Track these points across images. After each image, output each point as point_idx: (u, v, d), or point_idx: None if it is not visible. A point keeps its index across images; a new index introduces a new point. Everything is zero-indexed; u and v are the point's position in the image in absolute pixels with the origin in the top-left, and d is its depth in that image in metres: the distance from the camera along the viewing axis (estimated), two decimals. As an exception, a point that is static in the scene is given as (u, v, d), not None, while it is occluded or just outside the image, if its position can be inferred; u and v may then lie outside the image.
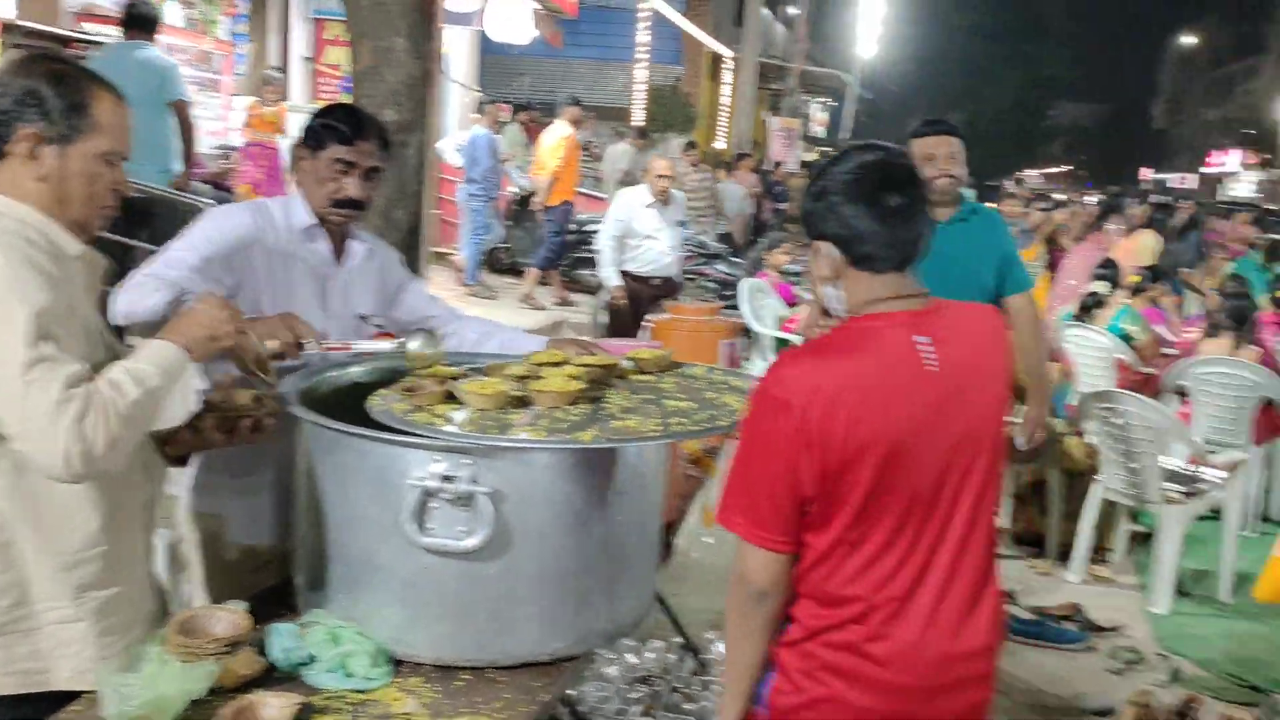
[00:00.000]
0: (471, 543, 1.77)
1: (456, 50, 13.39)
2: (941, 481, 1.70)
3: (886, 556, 1.69)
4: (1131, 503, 4.78)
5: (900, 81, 30.41)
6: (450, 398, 1.96)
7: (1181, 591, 4.75)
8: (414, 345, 2.23)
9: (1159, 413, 4.62)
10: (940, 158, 3.44)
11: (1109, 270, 6.68)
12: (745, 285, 8.21)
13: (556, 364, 2.14)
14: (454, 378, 2.04)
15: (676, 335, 6.72)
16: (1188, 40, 69.66)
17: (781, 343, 7.44)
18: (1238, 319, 5.53)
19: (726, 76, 18.71)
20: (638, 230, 6.97)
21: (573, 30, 16.86)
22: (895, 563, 1.69)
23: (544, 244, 9.88)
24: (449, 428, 1.83)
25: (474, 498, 1.76)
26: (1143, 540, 5.14)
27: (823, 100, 26.30)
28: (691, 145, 13.54)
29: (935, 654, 1.71)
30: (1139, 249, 8.90)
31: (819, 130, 27.33)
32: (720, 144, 18.76)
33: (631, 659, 2.55)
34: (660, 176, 6.97)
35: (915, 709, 1.72)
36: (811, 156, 22.02)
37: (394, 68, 3.87)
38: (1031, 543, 5.19)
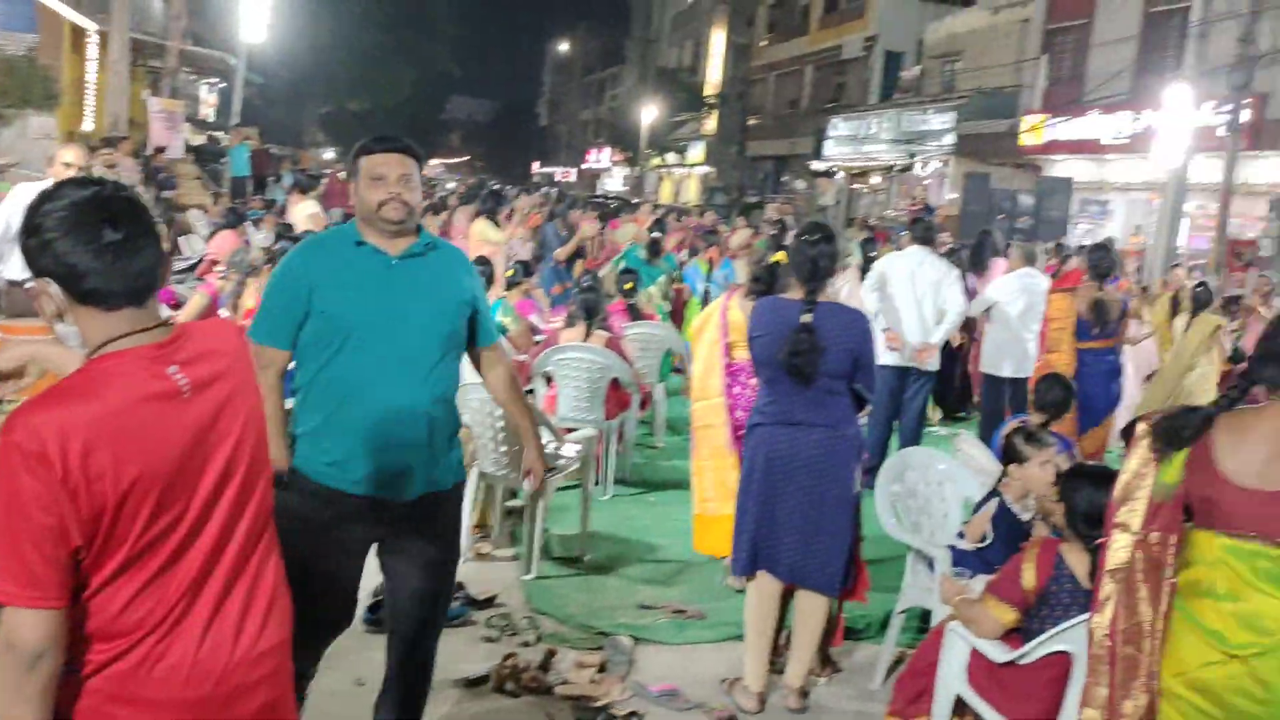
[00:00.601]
0: None
1: None
2: (210, 502, 1.78)
3: (161, 582, 1.73)
4: (506, 481, 5.22)
5: (293, 66, 29.71)
6: None
7: (550, 556, 5.31)
8: None
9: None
10: (390, 179, 2.82)
11: (485, 268, 7.17)
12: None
13: None
14: None
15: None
16: (563, 48, 77.17)
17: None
18: (589, 310, 6.27)
19: (92, 51, 16.89)
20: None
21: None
22: (170, 587, 1.74)
23: None
24: None
25: None
26: (519, 514, 5.64)
27: (211, 81, 24.91)
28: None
29: (216, 666, 1.79)
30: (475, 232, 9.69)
31: (209, 113, 25.88)
32: (89, 125, 16.89)
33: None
34: (67, 166, 5.96)
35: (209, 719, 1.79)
36: (200, 140, 20.76)
37: None
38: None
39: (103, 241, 1.66)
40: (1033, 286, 7.12)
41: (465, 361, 3.12)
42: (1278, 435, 2.24)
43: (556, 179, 78.54)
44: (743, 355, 4.76)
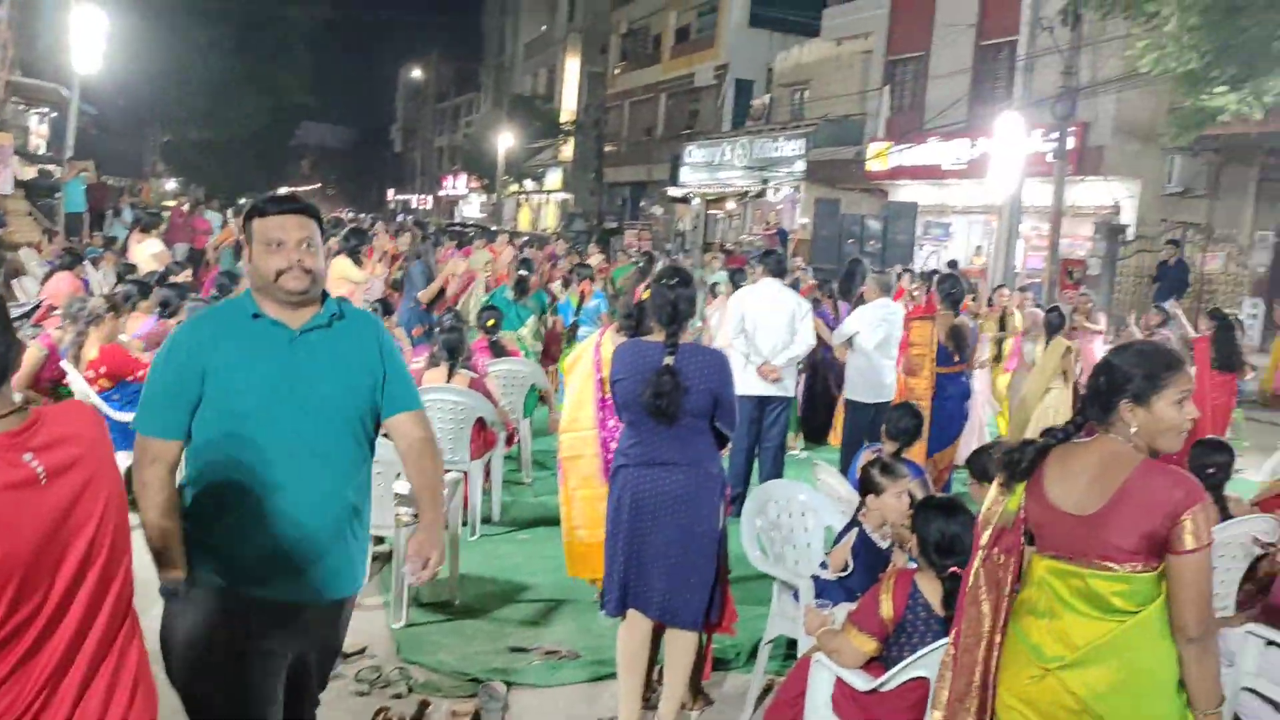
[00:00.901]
0: None
1: None
2: (71, 590, 1.75)
3: (20, 674, 1.70)
4: (374, 531, 5.12)
5: (132, 95, 28.49)
6: None
7: (419, 603, 5.23)
8: None
9: (382, 446, 5.00)
10: (289, 244, 2.56)
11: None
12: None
13: None
14: None
15: None
16: (417, 74, 76.45)
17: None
18: (451, 350, 6.22)
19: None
20: None
21: None
22: (29, 679, 1.70)
23: None
24: None
25: None
26: (385, 559, 5.54)
27: (42, 111, 23.73)
28: None
29: None
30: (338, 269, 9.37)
31: (39, 144, 24.61)
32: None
33: None
34: None
35: None
36: (31, 174, 19.73)
37: None
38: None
39: None
40: (890, 316, 7.42)
41: None
42: (1097, 466, 2.52)
43: (413, 206, 77.73)
44: None
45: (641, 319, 4.74)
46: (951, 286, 7.15)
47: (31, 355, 5.90)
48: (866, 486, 4.14)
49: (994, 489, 2.69)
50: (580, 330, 9.74)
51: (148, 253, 10.20)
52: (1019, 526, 2.63)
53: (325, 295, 2.69)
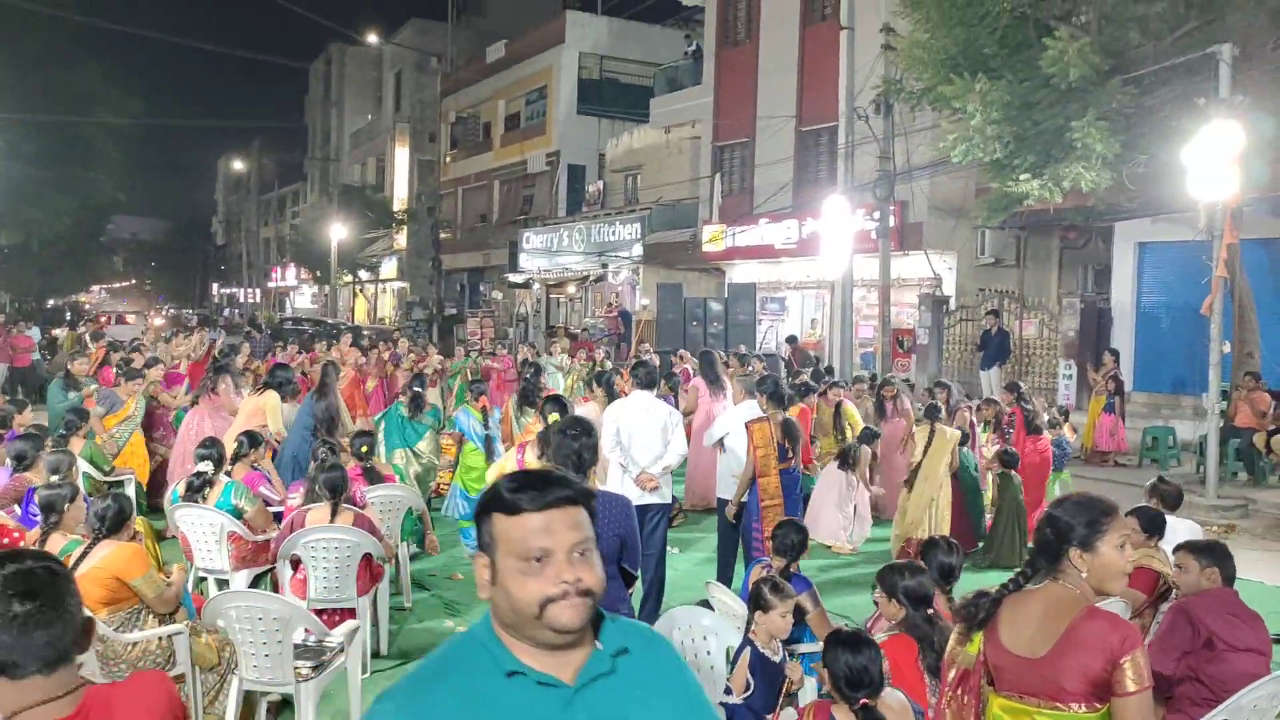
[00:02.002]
0: None
1: None
2: None
3: None
4: (272, 689, 5.03)
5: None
6: None
7: (322, 756, 5.14)
8: None
9: (280, 602, 4.96)
10: (559, 555, 1.74)
11: (212, 449, 6.89)
12: None
13: None
14: None
15: None
16: (238, 165, 74.62)
17: None
18: (334, 489, 6.17)
19: None
20: None
21: None
22: None
23: None
24: None
25: None
26: (286, 707, 5.41)
27: None
28: None
29: None
30: (269, 409, 9.00)
31: None
32: None
33: None
34: None
35: None
36: None
37: None
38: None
39: (10, 615, 1.69)
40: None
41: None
42: (1044, 611, 2.80)
43: (240, 300, 75.36)
44: None
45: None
46: (771, 387, 7.52)
47: None
48: (757, 604, 4.36)
49: (955, 633, 3.00)
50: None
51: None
52: (979, 669, 2.90)
53: (602, 614, 1.85)
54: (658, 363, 14.05)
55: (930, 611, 4.13)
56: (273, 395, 9.04)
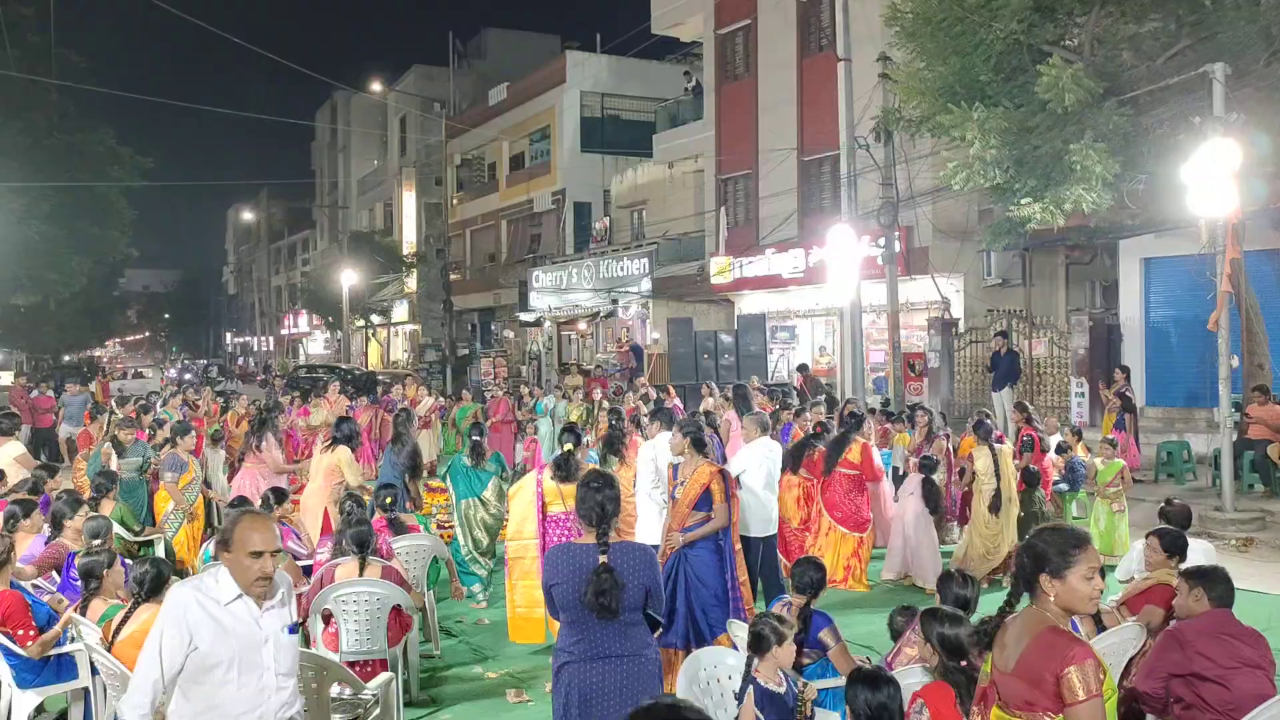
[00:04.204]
0: None
1: None
2: None
3: None
4: None
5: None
6: None
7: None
8: None
9: (313, 656, 5.09)
10: None
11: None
12: None
13: None
14: None
15: None
16: (247, 215, 75.39)
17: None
18: (361, 543, 6.32)
19: None
20: None
21: None
22: None
23: None
24: None
25: None
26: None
27: None
28: None
29: None
30: (344, 464, 9.06)
31: None
32: None
33: None
34: None
35: None
36: None
37: None
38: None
39: None
40: (771, 454, 7.90)
41: None
42: (1020, 630, 3.11)
43: (253, 348, 75.89)
44: (557, 509, 7.24)
45: (569, 468, 6.77)
46: (696, 430, 7.42)
47: None
48: (757, 646, 4.40)
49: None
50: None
51: (10, 457, 9.82)
52: (992, 685, 3.18)
53: None
54: (653, 397, 14.27)
55: (964, 663, 4.19)
56: (344, 450, 9.09)
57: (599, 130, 33.94)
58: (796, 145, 22.46)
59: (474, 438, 9.52)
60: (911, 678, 4.29)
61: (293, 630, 3.80)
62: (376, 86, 43.24)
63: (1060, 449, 11.73)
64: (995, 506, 9.07)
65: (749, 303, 23.99)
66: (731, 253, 23.48)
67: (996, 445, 9.35)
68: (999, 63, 13.25)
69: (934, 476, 9.63)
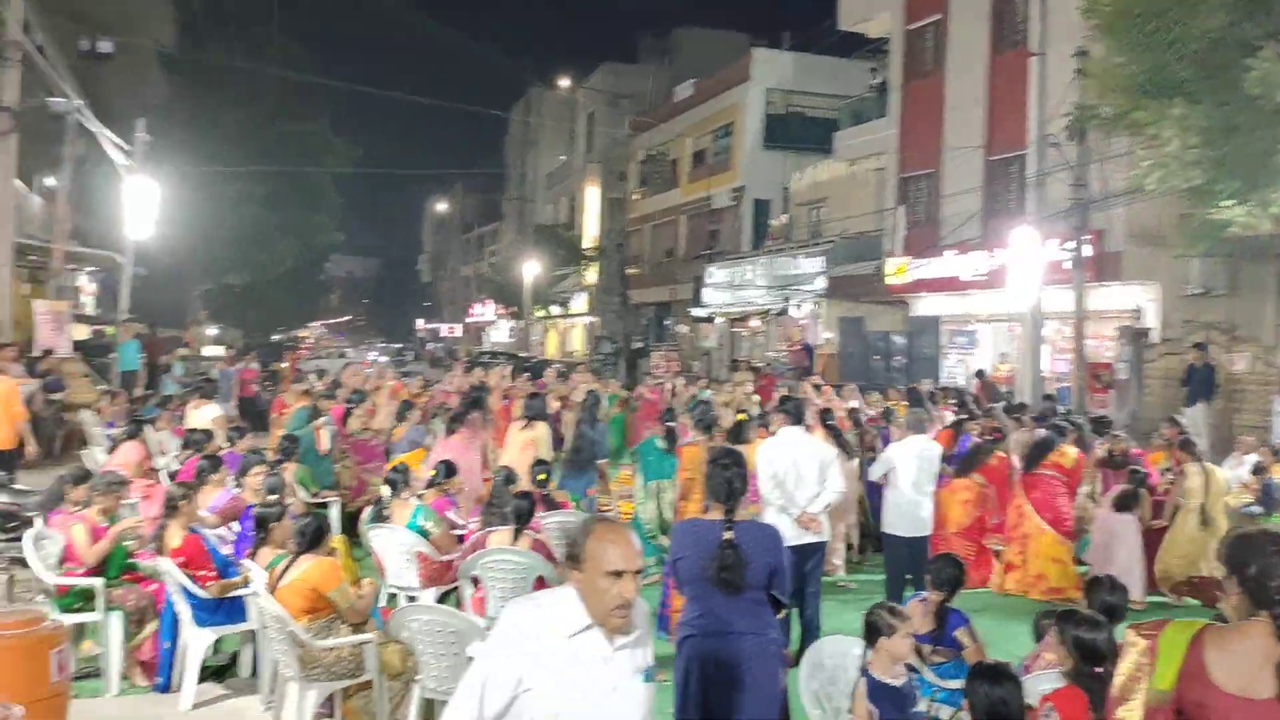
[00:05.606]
0: None
1: None
2: None
3: None
4: (447, 697, 5.39)
5: (174, 252, 29.63)
6: None
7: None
8: None
9: (457, 617, 5.33)
10: None
11: (398, 474, 7.44)
12: (31, 534, 6.52)
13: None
14: None
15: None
16: (442, 206, 78.72)
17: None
18: (520, 515, 6.54)
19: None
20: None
21: None
22: None
23: None
24: None
25: None
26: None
27: (91, 270, 24.78)
28: None
29: None
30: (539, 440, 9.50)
31: (88, 302, 25.65)
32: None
33: None
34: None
35: None
36: (84, 334, 20.53)
37: None
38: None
39: None
40: (925, 452, 7.71)
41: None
42: (1260, 650, 2.62)
43: (442, 334, 79.15)
44: None
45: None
46: (703, 414, 7.33)
47: (76, 538, 6.27)
48: (871, 633, 4.33)
49: (1128, 664, 2.80)
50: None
51: (207, 418, 10.64)
52: (1172, 707, 2.70)
53: None
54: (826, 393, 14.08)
55: (1099, 670, 4.01)
56: (542, 426, 9.57)
57: (782, 127, 33.74)
58: (983, 143, 21.71)
59: (667, 424, 9.77)
60: (1046, 683, 4.14)
61: (648, 678, 2.97)
62: (565, 83, 44.31)
63: (1257, 469, 10.99)
64: (1205, 520, 8.93)
65: (924, 305, 23.36)
66: (910, 253, 22.93)
67: (1209, 465, 9.07)
68: (1203, 58, 12.46)
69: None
